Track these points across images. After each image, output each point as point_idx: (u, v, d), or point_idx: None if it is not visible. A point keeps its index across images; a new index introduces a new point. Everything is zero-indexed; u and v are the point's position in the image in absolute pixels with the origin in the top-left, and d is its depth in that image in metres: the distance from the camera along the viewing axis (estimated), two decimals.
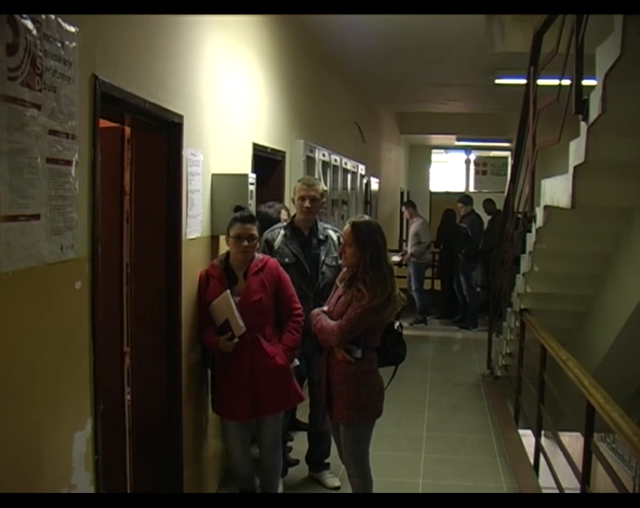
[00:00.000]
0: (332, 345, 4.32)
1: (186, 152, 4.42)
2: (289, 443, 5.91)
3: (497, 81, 10.14)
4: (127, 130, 4.19)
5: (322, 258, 5.29)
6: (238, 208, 4.73)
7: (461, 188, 20.69)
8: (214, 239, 5.09)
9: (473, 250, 12.28)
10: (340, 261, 5.11)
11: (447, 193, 20.12)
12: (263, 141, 6.29)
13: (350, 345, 4.28)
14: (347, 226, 4.34)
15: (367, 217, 4.65)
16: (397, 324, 4.48)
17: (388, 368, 4.52)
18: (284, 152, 7.08)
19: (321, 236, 5.35)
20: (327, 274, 5.25)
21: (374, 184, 13.21)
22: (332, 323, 4.29)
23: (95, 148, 3.15)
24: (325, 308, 4.48)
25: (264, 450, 4.95)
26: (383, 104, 14.61)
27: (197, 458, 4.92)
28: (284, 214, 5.91)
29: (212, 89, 4.95)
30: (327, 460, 5.67)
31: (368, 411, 4.39)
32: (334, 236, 5.39)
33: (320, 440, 5.61)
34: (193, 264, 4.67)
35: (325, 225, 5.56)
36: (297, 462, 5.86)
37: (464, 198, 13.03)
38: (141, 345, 4.35)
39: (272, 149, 6.62)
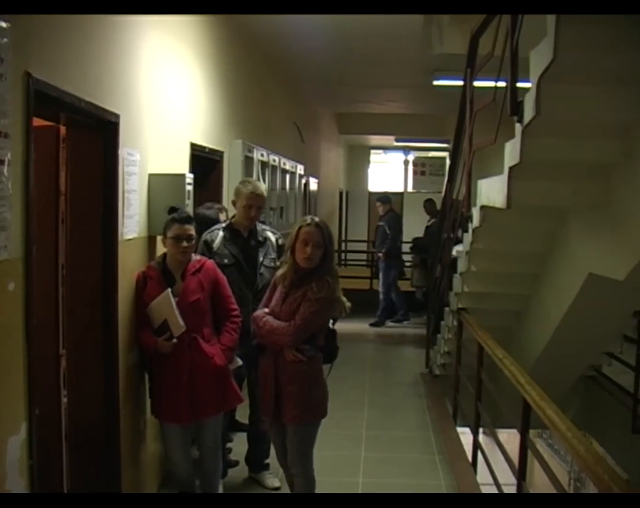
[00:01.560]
0: (285, 345, 4.29)
1: (123, 152, 4.37)
2: (229, 445, 5.88)
3: (435, 82, 10.21)
4: (63, 129, 4.13)
5: (261, 259, 5.30)
6: (172, 209, 4.69)
7: (400, 188, 20.85)
8: (151, 240, 5.03)
9: (393, 248, 12.44)
10: (278, 263, 5.17)
11: (386, 193, 20.24)
12: (201, 141, 6.25)
13: (302, 344, 4.29)
14: (313, 228, 4.26)
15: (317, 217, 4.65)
16: (331, 322, 4.52)
17: None
18: (222, 152, 7.04)
19: (260, 238, 5.35)
20: (265, 276, 5.25)
21: (313, 184, 13.22)
22: (284, 323, 4.27)
23: (29, 147, 3.10)
24: (266, 309, 4.44)
25: (204, 452, 4.91)
26: (322, 104, 14.64)
27: (135, 461, 4.87)
28: (222, 215, 5.89)
29: (150, 88, 4.91)
30: (267, 461, 5.66)
31: (317, 410, 4.44)
32: (272, 238, 5.41)
33: (260, 440, 5.60)
34: (130, 265, 4.62)
35: (264, 227, 5.55)
36: (236, 463, 5.84)
37: (382, 197, 13.18)
38: (77, 347, 4.29)
39: (211, 149, 6.59)
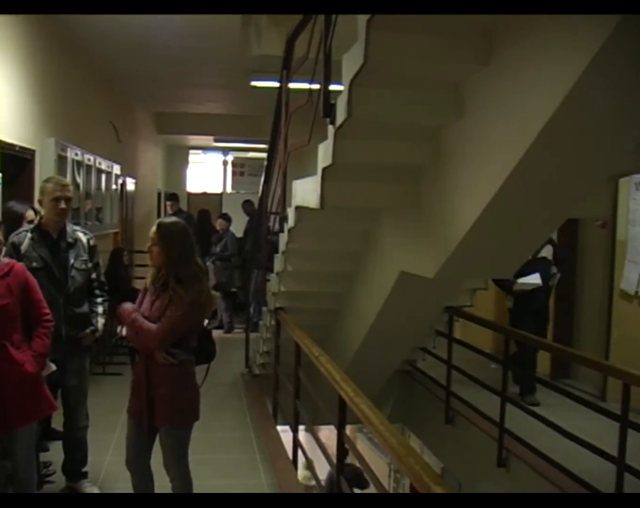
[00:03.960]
0: (152, 348, 4.26)
1: None
2: (44, 454, 5.68)
3: (253, 83, 10.27)
4: None
5: (72, 261, 5.13)
6: None
7: (219, 189, 20.79)
8: None
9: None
10: (90, 264, 5.16)
11: (204, 194, 20.18)
12: (11, 139, 6.01)
13: (172, 349, 4.27)
14: (153, 227, 4.32)
15: (173, 218, 4.62)
16: (206, 322, 4.58)
17: None
18: (33, 151, 6.78)
19: (70, 239, 5.16)
20: (77, 279, 5.11)
21: (130, 185, 12.99)
22: (152, 325, 4.24)
23: None
24: (129, 304, 4.42)
25: (18, 464, 4.68)
26: (140, 103, 14.35)
27: None
28: (29, 215, 5.67)
29: None
30: (84, 469, 5.49)
31: (190, 413, 4.44)
32: (83, 238, 5.25)
33: (77, 448, 5.44)
34: None
35: (75, 227, 5.37)
36: (53, 472, 5.65)
37: (171, 195, 13.25)
38: None
39: (21, 147, 6.34)
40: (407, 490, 3.28)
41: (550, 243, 8.08)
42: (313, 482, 7.22)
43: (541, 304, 8.25)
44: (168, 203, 13.19)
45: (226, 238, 12.46)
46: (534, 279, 7.97)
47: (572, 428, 5.75)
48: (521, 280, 7.91)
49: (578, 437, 5.57)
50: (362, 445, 15.44)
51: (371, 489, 4.34)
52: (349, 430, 4.76)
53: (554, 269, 8.28)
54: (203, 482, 5.65)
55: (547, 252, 8.16)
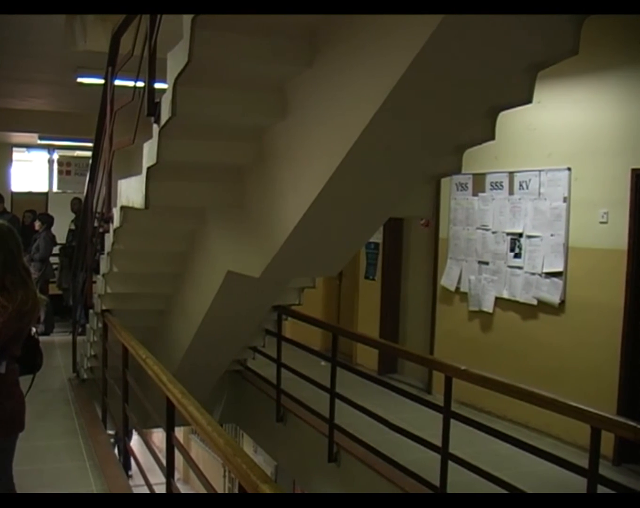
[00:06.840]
0: None
1: None
2: None
3: (79, 80, 10.00)
4: None
5: None
6: None
7: (44, 188, 20.14)
8: None
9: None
10: None
11: (29, 193, 19.48)
12: None
13: None
14: None
15: None
16: (33, 330, 4.32)
17: None
18: None
19: None
20: None
21: None
22: None
23: None
24: None
25: None
26: None
27: None
28: None
29: None
30: None
31: (13, 424, 4.15)
32: None
33: None
34: None
35: None
36: None
37: None
38: None
39: None
40: None
41: None
42: None
43: None
44: None
45: (39, 240, 12.08)
46: None
47: (399, 421, 5.93)
48: None
49: (404, 429, 5.75)
50: (196, 447, 15.38)
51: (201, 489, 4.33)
52: (182, 432, 4.72)
53: None
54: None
55: None
